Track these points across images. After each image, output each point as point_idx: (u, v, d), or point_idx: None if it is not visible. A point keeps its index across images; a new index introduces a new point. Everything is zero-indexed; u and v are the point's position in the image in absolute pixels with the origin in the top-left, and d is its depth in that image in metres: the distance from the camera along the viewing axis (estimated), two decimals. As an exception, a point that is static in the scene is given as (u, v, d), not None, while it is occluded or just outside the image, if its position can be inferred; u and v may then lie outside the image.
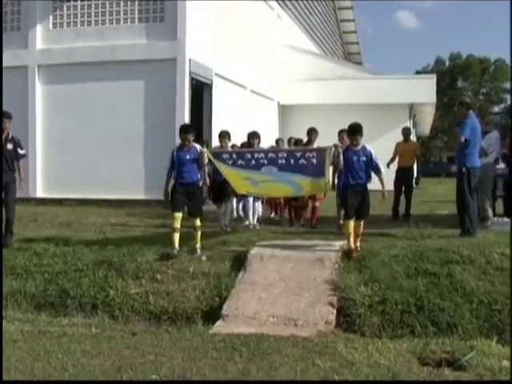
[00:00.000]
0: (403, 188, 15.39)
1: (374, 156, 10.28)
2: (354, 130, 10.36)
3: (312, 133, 13.61)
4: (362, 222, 10.32)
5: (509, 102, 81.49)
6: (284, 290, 8.74)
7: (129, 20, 19.31)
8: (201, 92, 20.79)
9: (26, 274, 9.95)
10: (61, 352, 6.70)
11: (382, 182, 10.40)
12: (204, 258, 10.13)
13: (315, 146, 12.88)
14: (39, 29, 19.84)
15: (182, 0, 18.53)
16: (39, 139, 19.80)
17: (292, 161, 10.44)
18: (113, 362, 6.46)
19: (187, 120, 18.62)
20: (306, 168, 10.39)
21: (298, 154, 10.55)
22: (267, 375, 6.06)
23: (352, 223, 10.11)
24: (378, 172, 10.35)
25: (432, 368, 6.34)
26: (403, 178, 15.40)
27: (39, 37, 19.85)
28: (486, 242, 10.34)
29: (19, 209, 16.98)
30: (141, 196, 18.19)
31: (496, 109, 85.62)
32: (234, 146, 19.79)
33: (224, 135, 13.57)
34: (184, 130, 10.78)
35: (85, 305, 8.94)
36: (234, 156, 10.86)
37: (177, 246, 10.18)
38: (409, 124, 28.32)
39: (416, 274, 8.93)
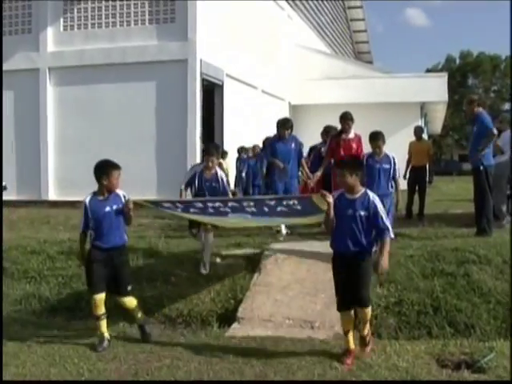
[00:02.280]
0: (417, 187, 15.31)
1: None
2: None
3: (345, 119, 11.66)
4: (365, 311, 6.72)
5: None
6: (299, 292, 8.66)
7: (139, 21, 19.30)
8: (212, 93, 20.77)
9: (40, 277, 9.93)
10: (76, 357, 6.67)
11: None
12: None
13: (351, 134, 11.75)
14: (50, 31, 19.86)
15: (193, 0, 18.49)
16: (51, 141, 19.83)
17: (266, 209, 7.46)
18: (129, 367, 6.43)
19: (199, 120, 18.59)
20: (287, 213, 7.51)
21: (273, 203, 7.43)
22: (285, 379, 6.01)
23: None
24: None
25: (451, 370, 6.26)
26: (416, 177, 15.30)
27: (50, 39, 19.87)
28: (502, 241, 10.20)
29: (32, 211, 17.11)
30: (153, 197, 18.09)
31: (507, 106, 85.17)
32: (242, 148, 19.75)
33: (211, 151, 9.68)
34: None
35: (99, 308, 8.89)
36: (180, 205, 7.98)
37: (106, 333, 7.31)
38: (420, 122, 28.22)
39: (432, 274, 8.83)
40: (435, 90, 29.29)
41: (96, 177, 7.52)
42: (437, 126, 46.24)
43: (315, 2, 34.77)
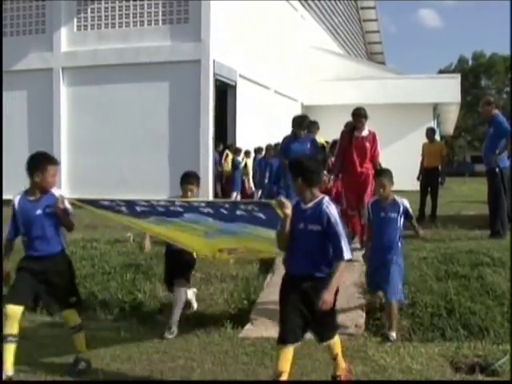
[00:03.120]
0: (429, 189, 15.30)
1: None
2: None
3: (358, 116, 10.68)
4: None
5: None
6: (313, 293, 8.66)
7: (153, 22, 19.33)
8: (225, 93, 20.81)
9: (54, 276, 9.93)
10: (90, 357, 6.68)
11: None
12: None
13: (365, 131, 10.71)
14: (64, 31, 19.92)
15: (207, 1, 18.51)
16: (64, 141, 19.88)
17: (224, 211, 6.48)
18: (143, 367, 6.45)
19: (211, 121, 18.60)
20: (250, 219, 6.33)
21: (228, 205, 6.58)
22: (299, 380, 6.02)
23: None
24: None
25: (465, 373, 6.26)
26: (429, 178, 15.29)
27: (64, 39, 19.92)
28: (515, 243, 10.19)
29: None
30: (165, 197, 18.15)
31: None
32: (259, 149, 19.74)
33: (190, 180, 8.02)
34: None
35: (113, 308, 8.91)
36: (123, 204, 6.69)
37: (10, 370, 5.96)
38: (433, 124, 28.15)
39: (446, 276, 8.82)
40: (448, 91, 29.19)
41: (28, 172, 6.40)
42: (449, 127, 46.12)
43: (328, 2, 34.76)
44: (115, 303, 8.99)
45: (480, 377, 6.20)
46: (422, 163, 15.54)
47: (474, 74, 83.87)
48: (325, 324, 5.56)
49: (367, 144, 10.58)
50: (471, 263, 9.22)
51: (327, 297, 5.22)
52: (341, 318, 7.82)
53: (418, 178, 15.60)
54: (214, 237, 7.00)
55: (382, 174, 7.75)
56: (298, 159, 5.68)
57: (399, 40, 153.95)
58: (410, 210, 7.73)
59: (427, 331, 7.56)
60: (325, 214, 5.28)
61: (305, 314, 5.40)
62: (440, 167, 15.73)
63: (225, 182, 20.72)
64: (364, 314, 8.08)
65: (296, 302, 5.39)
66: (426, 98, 28.28)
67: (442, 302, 8.02)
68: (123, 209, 6.75)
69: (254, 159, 19.91)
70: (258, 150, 19.96)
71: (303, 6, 29.48)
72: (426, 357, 6.60)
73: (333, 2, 35.88)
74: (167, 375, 6.23)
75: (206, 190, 17.02)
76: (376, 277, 7.68)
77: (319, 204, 5.37)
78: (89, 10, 19.90)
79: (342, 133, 11.16)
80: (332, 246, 5.31)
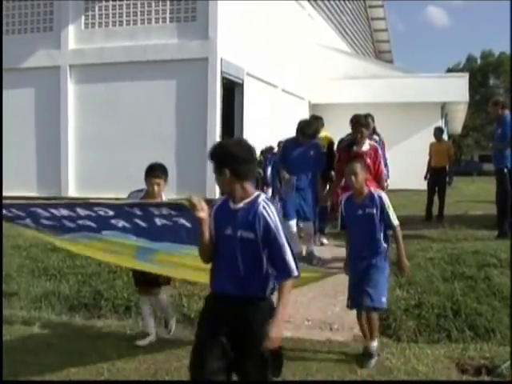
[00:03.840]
0: (436, 188, 15.29)
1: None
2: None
3: (357, 125, 9.43)
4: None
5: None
6: (319, 294, 8.66)
7: (160, 20, 19.29)
8: (232, 91, 20.77)
9: (60, 275, 9.93)
10: (96, 355, 6.68)
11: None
12: None
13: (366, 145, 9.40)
14: (71, 29, 19.91)
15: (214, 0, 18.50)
16: (71, 138, 19.87)
17: (142, 223, 5.62)
18: (148, 367, 6.45)
19: (219, 119, 18.59)
20: (176, 231, 5.52)
21: (140, 212, 5.53)
22: (304, 380, 6.02)
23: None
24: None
25: (471, 375, 6.24)
26: (436, 178, 15.30)
27: (71, 37, 19.92)
28: (523, 244, 10.15)
29: (52, 209, 17.17)
30: (173, 196, 18.00)
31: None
32: (269, 149, 19.53)
33: (156, 173, 7.23)
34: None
35: (118, 307, 8.89)
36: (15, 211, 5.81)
37: None
38: (441, 123, 28.07)
39: (452, 277, 8.79)
40: (456, 90, 29.09)
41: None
42: (457, 126, 46.01)
43: (336, 1, 34.69)
44: (121, 302, 8.98)
45: (486, 379, 6.17)
46: (429, 163, 15.54)
47: (483, 73, 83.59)
48: (257, 369, 4.22)
49: (368, 161, 8.80)
50: (478, 264, 9.18)
51: (275, 333, 4.05)
52: (347, 318, 7.82)
53: (425, 178, 15.59)
54: (145, 258, 6.10)
55: (353, 160, 6.86)
56: (222, 144, 4.46)
57: (407, 39, 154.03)
58: (388, 206, 6.50)
59: (433, 332, 7.53)
60: (261, 218, 4.14)
61: (227, 351, 4.22)
62: (447, 166, 15.70)
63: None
64: (370, 315, 8.05)
65: (218, 334, 4.24)
66: (434, 97, 28.19)
67: (448, 303, 7.98)
68: (28, 221, 5.96)
69: (265, 159, 19.75)
70: (266, 151, 19.89)
71: (311, 4, 29.44)
72: (431, 358, 6.58)
73: (341, 0, 35.81)
74: (172, 374, 6.23)
75: (213, 190, 17.02)
76: (359, 288, 6.57)
77: (254, 203, 4.22)
78: (96, 8, 19.90)
79: (338, 150, 10.41)
80: (273, 260, 4.17)
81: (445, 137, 22.85)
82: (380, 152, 9.41)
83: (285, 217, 9.42)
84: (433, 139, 15.88)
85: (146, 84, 19.16)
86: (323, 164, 10.62)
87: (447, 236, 11.61)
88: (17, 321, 8.33)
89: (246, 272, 4.18)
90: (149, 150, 18.53)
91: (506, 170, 11.21)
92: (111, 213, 5.56)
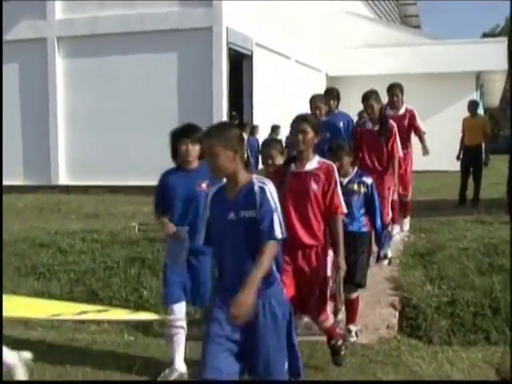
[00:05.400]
0: (471, 169, 15.17)
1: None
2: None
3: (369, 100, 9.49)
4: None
5: None
6: (339, 289, 8.60)
7: (159, -15, 19.20)
8: (240, 64, 20.68)
9: (50, 273, 9.92)
10: (90, 364, 6.65)
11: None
12: None
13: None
14: (59, -4, 19.87)
15: (218, -39, 18.38)
16: (61, 119, 19.86)
17: None
18: (152, 374, 6.42)
19: (225, 95, 18.51)
20: None
21: None
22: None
23: None
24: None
25: (513, 382, 6.18)
26: (471, 157, 15.18)
27: (59, 6, 19.86)
28: None
29: (41, 198, 17.19)
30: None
31: None
32: (275, 127, 19.44)
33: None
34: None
35: (116, 308, 8.88)
36: None
37: None
38: (475, 95, 27.90)
39: (490, 270, 8.71)
40: (493, 57, 28.82)
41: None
42: (494, 99, 45.76)
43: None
44: (118, 302, 8.95)
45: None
46: (462, 140, 15.39)
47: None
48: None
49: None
50: (519, 255, 9.10)
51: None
52: (371, 317, 7.76)
53: (457, 158, 15.46)
54: None
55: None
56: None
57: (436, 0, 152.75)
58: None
59: (469, 333, 7.46)
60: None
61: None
62: (483, 144, 15.57)
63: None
64: (397, 314, 8.02)
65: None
66: (467, 66, 27.95)
67: (485, 300, 7.90)
68: None
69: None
70: (275, 129, 19.84)
71: (328, -36, 29.24)
72: (467, 363, 6.52)
73: (361, -42, 35.57)
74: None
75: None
76: None
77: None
78: (87, -28, 19.80)
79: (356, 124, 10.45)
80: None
81: (480, 111, 22.65)
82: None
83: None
84: (466, 114, 15.74)
85: (144, 57, 19.10)
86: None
87: (483, 223, 11.51)
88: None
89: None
90: (148, 131, 18.52)
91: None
92: None
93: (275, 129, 19.84)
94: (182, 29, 18.70)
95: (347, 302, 6.98)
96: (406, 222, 11.55)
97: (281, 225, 4.43)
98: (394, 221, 10.05)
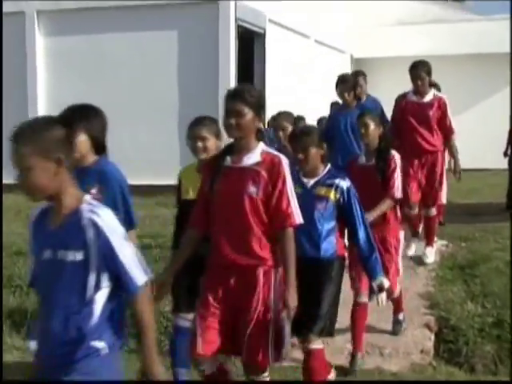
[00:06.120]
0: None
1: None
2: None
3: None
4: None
5: None
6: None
7: (157, -49, 19.22)
8: (251, 43, 20.65)
9: (27, 286, 9.88)
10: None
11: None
12: None
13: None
14: (38, -37, 19.90)
15: None
16: (42, 105, 19.87)
17: None
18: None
19: (233, 79, 18.48)
20: None
21: None
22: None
23: None
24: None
25: None
26: (521, 153, 15.15)
27: (39, -26, 19.90)
28: None
29: (19, 199, 17.16)
30: (175, 181, 18.03)
31: None
32: (298, 118, 19.45)
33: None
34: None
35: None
36: None
37: None
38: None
39: (542, 285, 8.69)
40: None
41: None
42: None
43: None
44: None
45: None
46: (510, 133, 15.33)
47: None
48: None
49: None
50: None
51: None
52: (402, 340, 7.72)
53: (505, 154, 15.38)
54: None
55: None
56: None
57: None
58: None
59: (519, 361, 7.43)
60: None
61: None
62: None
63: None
64: (433, 336, 7.99)
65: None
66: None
67: (538, 321, 7.87)
68: None
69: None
70: (297, 120, 19.83)
71: None
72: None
73: None
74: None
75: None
76: None
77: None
78: None
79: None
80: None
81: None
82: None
83: None
84: (516, 102, 15.73)
85: (139, 36, 19.09)
86: None
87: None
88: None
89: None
90: (145, 123, 18.54)
91: None
92: None
93: (298, 121, 19.80)
94: (183, 3, 18.72)
95: (307, 353, 6.06)
96: (431, 251, 10.41)
97: (142, 267, 3.86)
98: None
